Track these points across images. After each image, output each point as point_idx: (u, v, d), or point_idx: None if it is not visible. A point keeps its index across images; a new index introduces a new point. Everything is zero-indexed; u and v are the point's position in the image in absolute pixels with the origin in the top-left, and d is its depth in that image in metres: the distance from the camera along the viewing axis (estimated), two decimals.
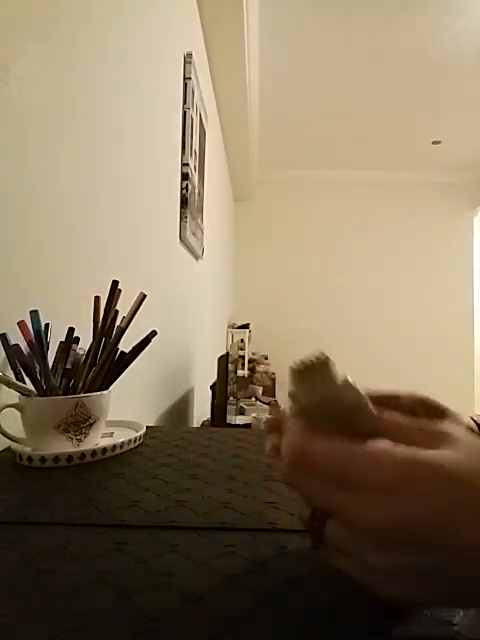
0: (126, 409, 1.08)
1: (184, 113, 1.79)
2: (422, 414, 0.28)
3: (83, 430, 0.52)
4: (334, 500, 0.22)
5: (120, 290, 0.61)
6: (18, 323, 0.54)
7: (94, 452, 0.50)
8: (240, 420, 2.39)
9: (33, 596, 0.25)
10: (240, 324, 4.43)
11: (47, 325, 0.56)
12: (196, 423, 2.35)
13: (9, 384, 0.51)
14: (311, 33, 2.70)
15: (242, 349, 4.20)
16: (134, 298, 0.59)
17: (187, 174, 1.79)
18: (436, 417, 0.27)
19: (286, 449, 0.23)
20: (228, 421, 2.24)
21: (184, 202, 1.79)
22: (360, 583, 0.22)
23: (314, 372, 0.23)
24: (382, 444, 0.21)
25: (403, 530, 0.20)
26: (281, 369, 4.67)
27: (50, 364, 0.54)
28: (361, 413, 0.23)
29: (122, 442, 0.54)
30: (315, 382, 0.23)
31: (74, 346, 0.57)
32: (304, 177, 4.95)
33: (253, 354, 4.60)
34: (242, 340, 4.27)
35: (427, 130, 3.96)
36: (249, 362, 4.34)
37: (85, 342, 0.59)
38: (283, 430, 0.25)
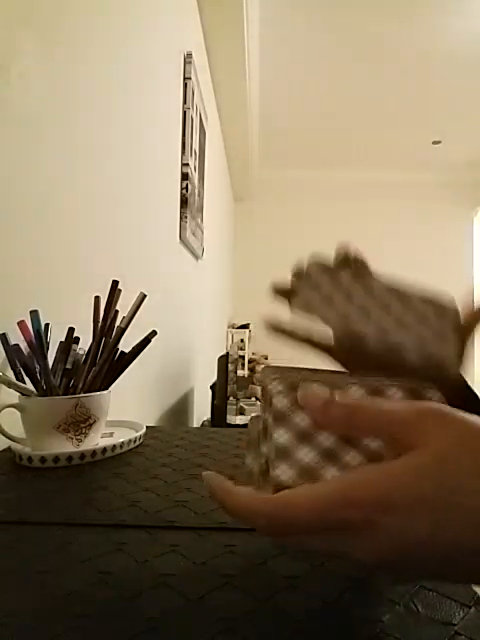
0: (126, 409, 1.08)
1: (184, 113, 1.79)
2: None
3: (83, 430, 0.52)
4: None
5: (120, 290, 0.61)
6: (18, 323, 0.54)
7: (94, 452, 0.50)
8: (240, 420, 2.39)
9: (33, 596, 0.25)
10: (240, 324, 4.43)
11: (47, 325, 0.56)
12: (196, 423, 2.35)
13: (9, 384, 0.51)
14: (311, 33, 2.70)
15: (242, 349, 4.20)
16: (134, 298, 0.59)
17: (187, 174, 1.79)
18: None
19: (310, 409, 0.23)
20: (228, 421, 2.24)
21: (184, 202, 1.79)
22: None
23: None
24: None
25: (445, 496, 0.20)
26: None
27: (50, 364, 0.54)
28: None
29: (122, 442, 0.54)
30: None
31: (74, 346, 0.57)
32: (304, 177, 4.95)
33: (253, 354, 4.60)
34: (242, 340, 4.27)
35: (427, 130, 3.96)
36: (249, 362, 4.34)
37: (85, 342, 0.59)
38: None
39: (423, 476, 0.20)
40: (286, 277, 0.30)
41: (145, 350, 0.60)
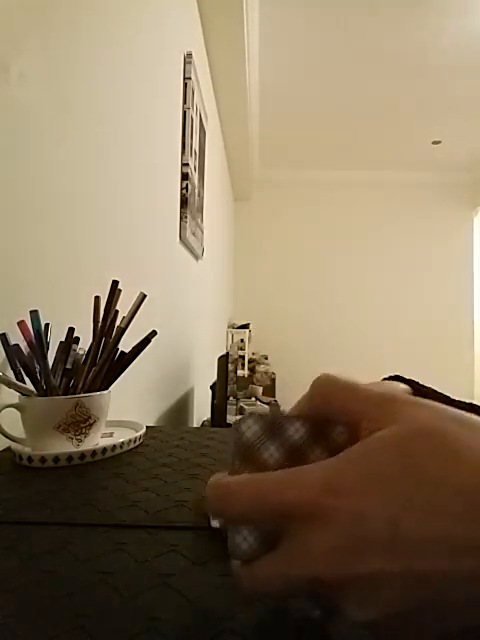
0: (126, 409, 1.08)
1: (184, 113, 1.79)
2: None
3: (83, 430, 0.52)
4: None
5: (120, 290, 0.61)
6: (18, 323, 0.54)
7: (94, 452, 0.50)
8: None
9: (33, 596, 0.25)
10: (240, 324, 4.43)
11: (47, 325, 0.56)
12: (196, 423, 2.35)
13: (9, 384, 0.51)
14: (311, 33, 2.70)
15: (242, 349, 4.20)
16: (134, 298, 0.60)
17: (187, 174, 1.79)
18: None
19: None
20: (228, 421, 2.24)
21: (184, 202, 1.79)
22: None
23: None
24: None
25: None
26: (281, 369, 4.68)
27: (50, 364, 0.54)
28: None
29: (122, 442, 0.54)
30: None
31: (74, 346, 0.57)
32: (304, 177, 4.95)
33: (253, 354, 4.60)
34: (242, 340, 4.27)
35: (427, 130, 3.96)
36: (249, 362, 4.34)
37: (85, 342, 0.59)
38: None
39: (379, 452, 0.18)
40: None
41: (145, 350, 0.60)
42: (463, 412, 0.19)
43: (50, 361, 0.54)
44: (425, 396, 0.42)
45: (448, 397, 0.44)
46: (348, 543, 0.17)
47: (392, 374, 0.46)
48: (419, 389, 0.44)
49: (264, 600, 0.23)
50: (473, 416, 0.19)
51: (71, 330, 0.57)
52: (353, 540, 0.17)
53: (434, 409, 0.19)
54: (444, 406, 0.19)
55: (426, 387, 0.43)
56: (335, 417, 0.21)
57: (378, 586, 0.17)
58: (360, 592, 0.17)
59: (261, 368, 4.28)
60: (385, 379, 0.46)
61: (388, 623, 0.17)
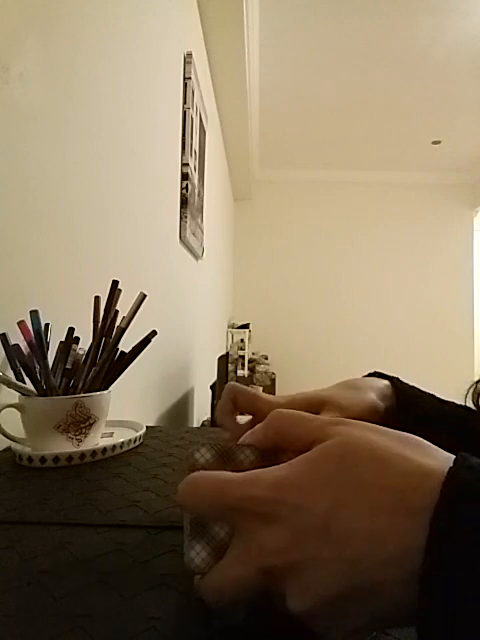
0: (126, 409, 1.08)
1: (184, 113, 1.79)
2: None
3: (83, 430, 0.52)
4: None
5: (120, 290, 0.61)
6: (18, 323, 0.54)
7: (94, 452, 0.50)
8: (240, 420, 2.39)
9: (33, 596, 0.25)
10: (240, 324, 4.43)
11: (47, 325, 0.56)
12: (196, 423, 2.35)
13: (9, 384, 0.51)
14: (311, 33, 2.70)
15: (242, 349, 4.20)
16: (134, 298, 0.60)
17: (187, 174, 1.79)
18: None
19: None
20: None
21: (184, 202, 1.79)
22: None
23: None
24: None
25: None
26: (281, 369, 4.68)
27: (50, 364, 0.54)
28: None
29: (122, 442, 0.54)
30: None
31: (74, 346, 0.57)
32: (304, 177, 4.95)
33: (253, 354, 4.60)
34: (242, 340, 4.27)
35: (427, 130, 3.96)
36: (249, 362, 4.34)
37: (85, 342, 0.59)
38: None
39: (320, 458, 0.20)
40: None
41: (145, 350, 0.60)
42: (387, 429, 0.22)
43: (50, 361, 0.54)
44: (406, 393, 0.44)
45: (434, 396, 0.45)
46: (290, 533, 0.19)
47: (372, 371, 0.47)
48: (401, 386, 0.44)
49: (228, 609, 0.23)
50: (399, 432, 0.22)
51: (71, 330, 0.57)
52: (294, 530, 0.19)
53: (367, 426, 0.22)
54: (376, 426, 0.22)
55: (407, 384, 0.44)
56: (289, 446, 0.24)
57: (315, 572, 0.19)
58: (300, 580, 0.19)
59: (261, 368, 4.28)
60: (366, 376, 0.47)
61: (324, 611, 0.19)
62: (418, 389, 0.47)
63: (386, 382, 0.45)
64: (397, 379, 0.47)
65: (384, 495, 0.19)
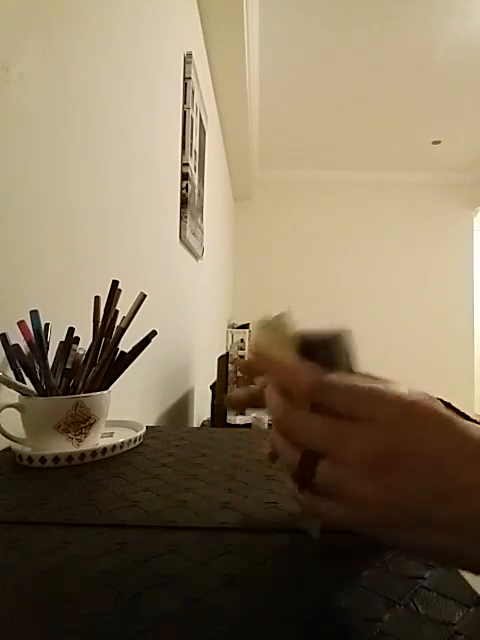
0: (126, 409, 1.08)
1: (184, 113, 1.79)
2: None
3: (83, 430, 0.52)
4: (337, 433, 0.24)
5: (120, 290, 0.61)
6: (18, 323, 0.54)
7: (94, 452, 0.50)
8: (240, 420, 2.39)
9: (33, 596, 0.25)
10: (240, 324, 4.43)
11: (47, 325, 0.56)
12: (196, 423, 2.35)
13: (9, 384, 0.51)
14: (311, 33, 2.70)
15: (242, 349, 4.20)
16: (134, 298, 0.59)
17: (187, 174, 1.79)
18: None
19: (302, 380, 0.25)
20: (228, 421, 2.24)
21: (184, 202, 1.79)
22: (339, 524, 0.24)
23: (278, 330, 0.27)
24: (382, 385, 0.24)
25: (398, 458, 0.22)
26: None
27: (50, 364, 0.54)
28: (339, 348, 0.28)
29: (122, 442, 0.54)
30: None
31: (74, 346, 0.57)
32: (304, 177, 4.95)
33: None
34: (242, 340, 4.27)
35: (427, 130, 3.96)
36: None
37: (85, 342, 0.59)
38: (268, 370, 0.28)
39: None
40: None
41: (145, 350, 0.60)
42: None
43: (50, 361, 0.54)
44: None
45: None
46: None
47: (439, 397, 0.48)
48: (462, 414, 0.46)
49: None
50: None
51: (71, 330, 0.57)
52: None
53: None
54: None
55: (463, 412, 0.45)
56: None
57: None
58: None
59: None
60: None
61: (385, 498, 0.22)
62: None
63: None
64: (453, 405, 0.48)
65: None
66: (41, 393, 0.53)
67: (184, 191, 1.79)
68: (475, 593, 0.25)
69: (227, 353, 2.25)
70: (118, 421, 0.65)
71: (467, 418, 0.43)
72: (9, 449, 0.53)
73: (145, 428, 0.61)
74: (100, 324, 0.59)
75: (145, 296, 0.60)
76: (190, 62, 1.79)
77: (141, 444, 0.58)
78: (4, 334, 0.52)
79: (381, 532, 0.23)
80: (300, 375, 0.25)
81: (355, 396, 0.24)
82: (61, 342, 0.57)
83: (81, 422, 0.52)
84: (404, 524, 0.22)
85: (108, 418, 0.58)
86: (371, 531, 0.24)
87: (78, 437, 0.52)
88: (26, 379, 0.53)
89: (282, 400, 0.26)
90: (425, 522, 0.22)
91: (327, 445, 0.24)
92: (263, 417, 2.01)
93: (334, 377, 0.25)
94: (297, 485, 0.26)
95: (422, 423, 0.22)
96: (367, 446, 0.22)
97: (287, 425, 0.26)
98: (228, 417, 2.22)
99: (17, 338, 0.53)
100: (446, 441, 0.22)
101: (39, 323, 0.53)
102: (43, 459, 0.47)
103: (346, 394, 0.24)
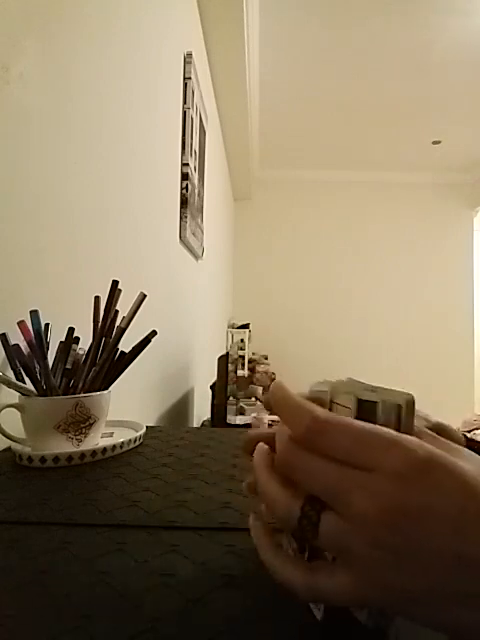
0: (126, 409, 1.08)
1: (184, 113, 1.79)
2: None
3: (83, 430, 0.52)
4: (340, 479, 0.20)
5: (120, 290, 0.61)
6: (18, 323, 0.54)
7: (94, 452, 0.50)
8: (240, 420, 2.39)
9: (33, 596, 0.25)
10: (240, 324, 4.43)
11: (47, 325, 0.56)
12: (196, 423, 2.35)
13: (9, 384, 0.51)
14: (311, 33, 2.70)
15: (242, 349, 4.20)
16: (134, 298, 0.60)
17: (187, 174, 1.79)
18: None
19: (303, 419, 0.21)
20: (228, 421, 2.24)
21: (184, 202, 1.79)
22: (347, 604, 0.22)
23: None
24: (398, 434, 0.21)
25: (403, 520, 0.19)
26: (281, 369, 4.67)
27: (50, 364, 0.54)
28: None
29: (122, 442, 0.54)
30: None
31: (74, 346, 0.57)
32: (304, 177, 4.95)
33: (253, 354, 4.60)
34: (242, 340, 4.27)
35: (427, 130, 3.96)
36: (249, 362, 4.33)
37: (85, 342, 0.59)
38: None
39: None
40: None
41: (145, 350, 0.60)
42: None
43: (50, 361, 0.54)
44: None
45: None
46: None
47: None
48: None
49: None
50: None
51: (71, 330, 0.57)
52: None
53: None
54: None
55: None
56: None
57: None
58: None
59: (261, 368, 4.28)
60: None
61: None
62: None
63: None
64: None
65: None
66: (41, 393, 0.53)
67: (184, 191, 1.79)
68: None
69: (227, 353, 2.25)
70: (118, 421, 0.65)
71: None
72: (9, 449, 0.53)
73: (145, 428, 0.61)
74: (100, 324, 0.59)
75: (145, 296, 0.60)
76: (190, 62, 1.79)
77: (141, 444, 0.58)
78: (4, 334, 0.52)
79: (397, 609, 0.20)
80: (299, 415, 0.22)
81: (359, 439, 0.21)
82: (61, 342, 0.57)
83: (81, 422, 0.52)
84: (424, 599, 0.19)
85: (108, 418, 0.58)
86: (387, 608, 0.21)
87: (78, 437, 0.52)
88: (26, 379, 0.53)
89: (289, 438, 0.22)
90: (446, 594, 0.19)
91: (333, 489, 0.20)
92: (263, 417, 2.01)
93: (335, 416, 0.21)
94: (296, 548, 0.24)
95: (435, 481, 0.19)
96: (370, 502, 0.19)
97: (290, 463, 0.22)
98: (228, 417, 2.22)
99: (17, 338, 0.53)
100: (465, 499, 0.19)
101: (39, 323, 0.53)
102: (43, 459, 0.47)
103: (349, 434, 0.21)
